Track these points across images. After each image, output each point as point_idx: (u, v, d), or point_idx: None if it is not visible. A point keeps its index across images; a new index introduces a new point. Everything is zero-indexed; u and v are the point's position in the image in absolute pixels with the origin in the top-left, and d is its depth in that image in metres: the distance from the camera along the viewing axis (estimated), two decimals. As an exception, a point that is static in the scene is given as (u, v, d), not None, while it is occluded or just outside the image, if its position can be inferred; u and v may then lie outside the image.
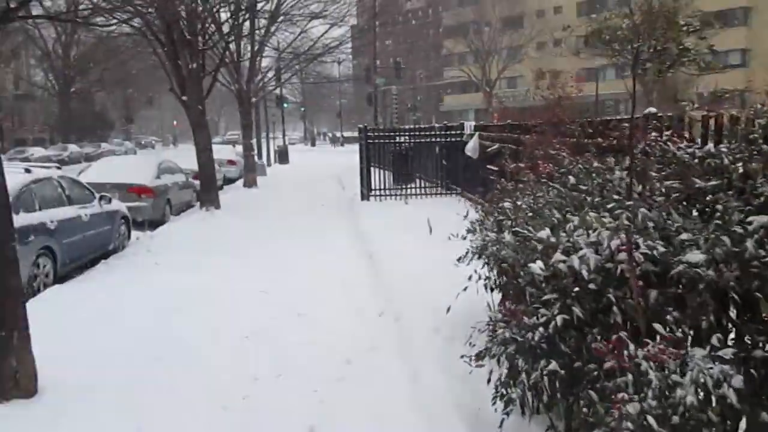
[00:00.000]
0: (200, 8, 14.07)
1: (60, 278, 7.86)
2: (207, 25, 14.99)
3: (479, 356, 3.27)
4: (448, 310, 4.45)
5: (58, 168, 9.10)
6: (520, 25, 52.74)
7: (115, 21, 11.18)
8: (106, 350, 5.12)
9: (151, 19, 12.89)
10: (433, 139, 14.83)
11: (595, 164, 3.48)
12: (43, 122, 55.19)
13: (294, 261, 8.71)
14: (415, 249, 7.80)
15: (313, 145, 66.20)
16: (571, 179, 3.39)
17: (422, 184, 14.76)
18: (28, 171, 7.95)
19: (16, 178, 7.12)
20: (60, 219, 7.97)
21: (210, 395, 4.38)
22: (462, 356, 3.54)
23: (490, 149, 9.39)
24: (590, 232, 2.72)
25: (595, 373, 2.55)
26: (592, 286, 2.62)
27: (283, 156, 34.85)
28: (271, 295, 6.94)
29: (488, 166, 9.45)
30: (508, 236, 3.28)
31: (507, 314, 3.19)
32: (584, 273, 2.58)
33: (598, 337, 2.63)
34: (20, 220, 6.58)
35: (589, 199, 3.16)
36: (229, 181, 21.69)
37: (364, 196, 14.30)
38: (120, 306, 6.44)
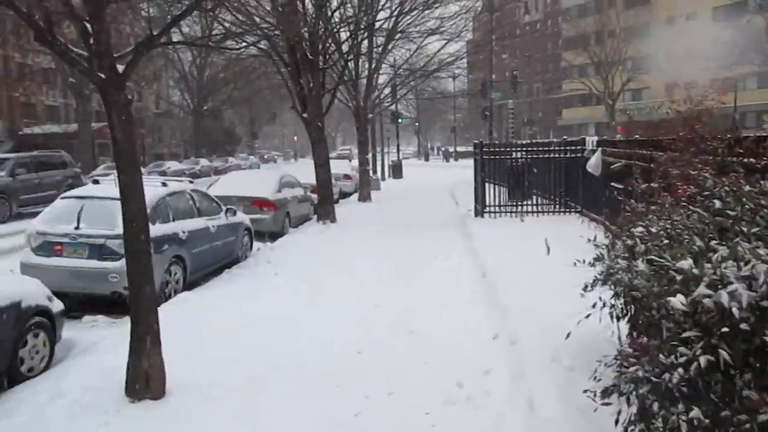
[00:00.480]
0: (322, 29, 14.62)
1: (188, 285, 8.38)
2: (328, 45, 15.54)
3: (606, 393, 3.02)
4: (568, 336, 4.18)
5: (191, 182, 9.72)
6: (647, 35, 49.97)
7: (244, 44, 11.86)
8: (227, 356, 5.36)
9: (276, 41, 13.57)
10: (552, 155, 14.30)
11: (747, 187, 3.11)
12: (178, 138, 59.98)
13: (407, 276, 8.70)
14: (531, 269, 7.50)
15: (427, 159, 66.52)
16: (717, 203, 3.05)
17: (539, 202, 14.26)
18: (164, 185, 8.58)
19: (154, 190, 7.70)
20: (190, 230, 8.51)
21: (322, 409, 4.42)
22: (585, 390, 3.29)
23: (614, 166, 8.86)
24: (742, 264, 2.41)
25: (747, 425, 2.24)
26: (743, 326, 2.32)
27: (397, 171, 35.28)
28: (384, 310, 6.96)
29: (612, 184, 8.92)
30: (641, 264, 3.00)
31: (638, 349, 2.92)
32: (734, 311, 2.29)
33: (751, 385, 2.32)
34: (156, 230, 7.09)
35: (738, 226, 2.83)
36: (344, 195, 22.24)
37: (478, 213, 14.05)
38: (241, 314, 6.72)
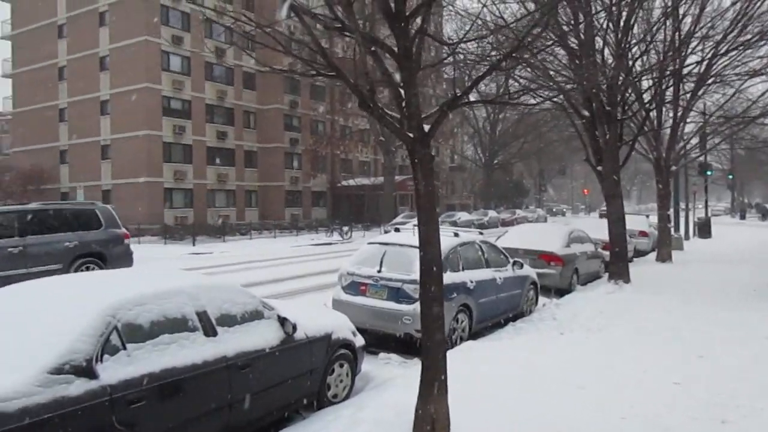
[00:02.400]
0: (621, 79, 13.96)
1: (473, 334, 8.53)
2: (627, 95, 14.74)
3: None
4: None
5: (480, 233, 9.99)
6: None
7: (540, 99, 11.97)
8: (509, 413, 5.23)
9: (572, 93, 13.36)
10: None
11: None
12: (469, 190, 63.07)
13: (717, 353, 7.50)
14: None
15: (743, 218, 57.77)
16: None
17: None
18: (456, 235, 8.99)
19: (447, 240, 8.11)
20: (478, 280, 8.71)
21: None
22: None
23: None
24: None
25: None
26: None
27: (704, 229, 31.35)
28: (686, 389, 6.07)
29: None
30: None
31: None
32: None
33: None
34: (446, 278, 7.38)
35: None
36: (639, 253, 20.52)
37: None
38: (524, 371, 6.55)
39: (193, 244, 30.37)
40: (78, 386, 3.63)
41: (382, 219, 40.75)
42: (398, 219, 36.21)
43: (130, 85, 36.80)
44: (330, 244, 31.77)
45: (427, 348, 4.61)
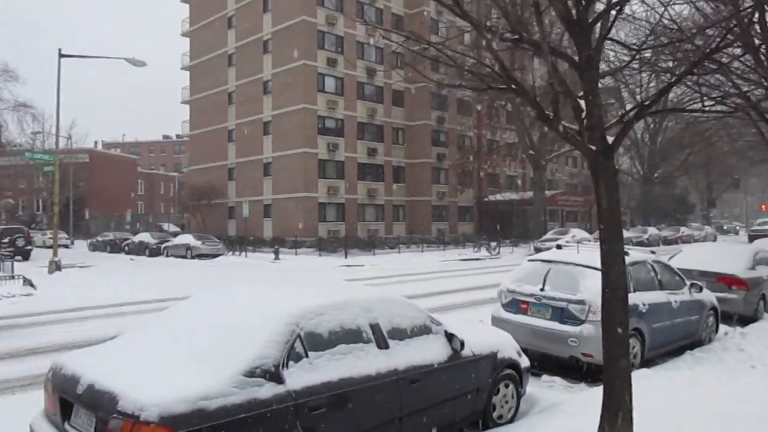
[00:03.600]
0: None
1: (645, 361, 7.87)
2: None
3: None
4: None
5: (652, 252, 9.26)
6: None
7: (729, 107, 10.88)
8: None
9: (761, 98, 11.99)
10: None
11: None
12: (625, 205, 59.16)
13: None
14: None
15: None
16: None
17: None
18: (626, 254, 8.39)
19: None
20: (651, 302, 8.05)
21: None
22: None
23: None
24: None
25: None
26: None
27: None
28: None
29: None
30: None
31: None
32: None
33: None
34: (619, 299, 6.93)
35: None
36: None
37: None
38: (717, 405, 5.88)
39: (345, 257, 31.62)
40: (267, 389, 3.84)
41: (530, 235, 39.59)
42: (548, 235, 34.90)
43: (289, 106, 39.44)
44: (478, 259, 31.44)
45: (611, 375, 4.30)
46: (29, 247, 32.26)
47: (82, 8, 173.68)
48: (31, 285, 16.78)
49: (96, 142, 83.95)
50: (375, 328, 4.75)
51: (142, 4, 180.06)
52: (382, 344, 4.72)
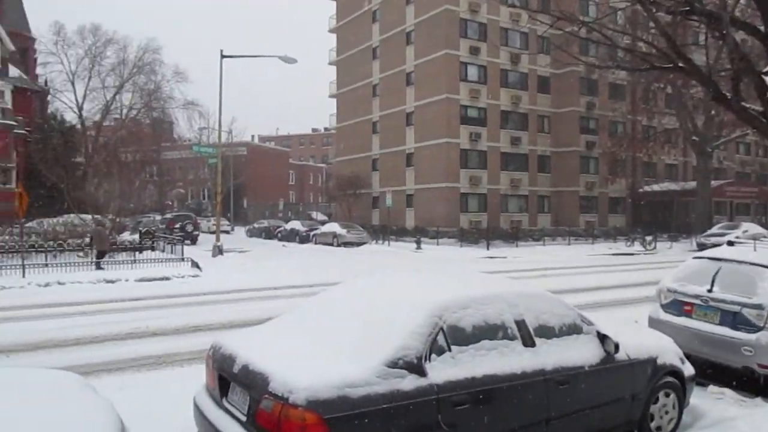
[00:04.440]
0: None
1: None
2: None
3: None
4: None
5: None
6: None
7: None
8: None
9: None
10: None
11: None
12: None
13: None
14: None
15: None
16: None
17: None
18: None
19: None
20: None
21: None
22: None
23: None
24: None
25: None
26: None
27: None
28: None
29: None
30: None
31: None
32: None
33: None
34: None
35: None
36: None
37: None
38: None
39: (487, 248, 31.16)
40: (410, 381, 3.79)
41: (692, 229, 36.23)
42: (714, 230, 31.68)
43: (431, 96, 39.57)
44: (630, 254, 29.42)
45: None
46: (197, 233, 35.63)
47: (239, 9, 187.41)
48: (198, 267, 18.49)
49: (253, 136, 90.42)
50: (521, 324, 4.53)
51: (291, 4, 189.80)
52: (528, 342, 4.49)
